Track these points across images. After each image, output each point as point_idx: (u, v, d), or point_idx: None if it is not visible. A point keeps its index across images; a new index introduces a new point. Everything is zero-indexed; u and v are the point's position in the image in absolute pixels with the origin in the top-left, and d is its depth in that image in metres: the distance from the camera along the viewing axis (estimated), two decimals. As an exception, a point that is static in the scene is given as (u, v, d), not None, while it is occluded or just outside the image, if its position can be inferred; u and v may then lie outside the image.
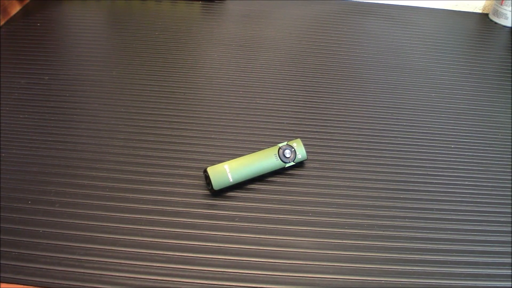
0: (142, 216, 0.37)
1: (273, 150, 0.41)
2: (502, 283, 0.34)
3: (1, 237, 0.35)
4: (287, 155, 0.41)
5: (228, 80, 0.55)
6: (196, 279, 0.33)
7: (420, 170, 0.44)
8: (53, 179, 0.40)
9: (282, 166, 0.41)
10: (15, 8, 0.67)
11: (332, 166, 0.44)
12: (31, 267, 0.33)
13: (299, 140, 0.43)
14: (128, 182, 0.40)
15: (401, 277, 0.34)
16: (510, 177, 0.44)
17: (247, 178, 0.40)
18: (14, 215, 0.37)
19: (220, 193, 0.40)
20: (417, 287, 0.33)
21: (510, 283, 0.34)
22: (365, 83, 0.57)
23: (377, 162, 0.45)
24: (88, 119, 0.47)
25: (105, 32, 0.65)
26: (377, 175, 0.43)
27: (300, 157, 0.42)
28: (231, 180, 0.39)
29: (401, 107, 0.53)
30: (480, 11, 0.80)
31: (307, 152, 0.42)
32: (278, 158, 0.41)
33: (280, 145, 0.42)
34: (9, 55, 0.56)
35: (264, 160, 0.40)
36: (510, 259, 0.36)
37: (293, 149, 0.42)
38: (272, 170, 0.41)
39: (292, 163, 0.42)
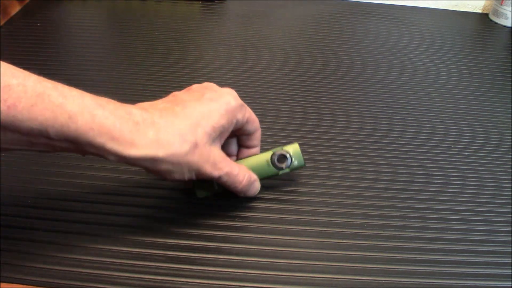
0: (142, 215, 0.37)
1: (266, 156, 0.38)
2: (502, 283, 0.34)
3: (1, 236, 0.35)
4: (280, 162, 0.38)
5: (228, 80, 0.55)
6: (196, 278, 0.33)
7: (420, 170, 0.44)
8: (53, 179, 0.40)
9: (275, 174, 0.38)
10: (15, 8, 0.67)
11: (333, 166, 0.44)
12: (31, 267, 0.33)
13: (296, 144, 0.38)
14: (128, 182, 0.40)
15: (402, 277, 0.34)
16: (510, 177, 0.44)
17: None
18: (14, 215, 0.37)
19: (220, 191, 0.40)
20: (417, 287, 0.33)
21: (510, 283, 0.34)
22: (365, 83, 0.57)
23: (378, 162, 0.45)
24: (88, 119, 0.47)
25: (105, 32, 0.65)
26: (378, 175, 0.43)
27: (296, 163, 0.38)
28: (216, 188, 0.37)
29: (401, 107, 0.53)
30: (480, 11, 0.80)
31: (307, 152, 0.42)
32: (271, 165, 0.38)
33: (273, 150, 0.38)
34: (9, 55, 0.56)
35: (255, 166, 0.37)
36: (511, 259, 0.36)
37: (288, 155, 0.38)
38: (263, 177, 0.38)
39: (287, 170, 0.38)
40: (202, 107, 0.32)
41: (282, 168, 0.38)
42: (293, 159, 0.38)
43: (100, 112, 0.28)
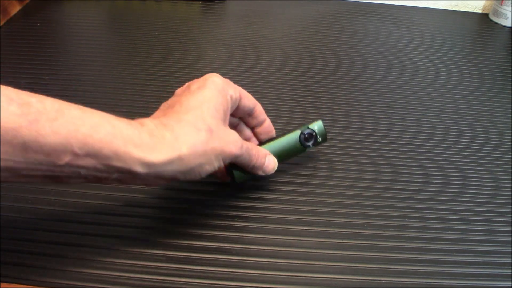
0: (142, 215, 0.37)
1: (294, 135, 0.40)
2: (502, 282, 0.34)
3: (1, 236, 0.35)
4: (308, 140, 0.40)
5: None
6: (196, 278, 0.33)
7: (420, 170, 0.44)
8: (53, 179, 0.40)
9: (303, 151, 0.41)
10: (15, 8, 0.67)
11: (333, 166, 0.44)
12: (31, 267, 0.33)
13: (320, 121, 0.41)
14: (128, 182, 0.40)
15: (402, 277, 0.34)
16: (510, 177, 0.44)
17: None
18: (14, 215, 0.37)
19: (220, 191, 0.40)
20: (417, 287, 0.33)
21: (510, 283, 0.34)
22: (365, 83, 0.57)
23: (377, 162, 0.45)
24: (88, 119, 0.47)
25: (105, 32, 0.65)
26: (378, 175, 0.43)
27: (320, 140, 0.41)
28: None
29: (401, 107, 0.53)
30: (480, 11, 0.80)
31: (307, 152, 0.42)
32: (299, 143, 0.40)
33: (300, 129, 0.40)
34: (9, 55, 0.56)
35: (285, 145, 0.39)
36: (510, 259, 0.36)
37: (314, 133, 0.41)
38: (292, 155, 0.41)
39: (311, 147, 0.41)
40: (196, 97, 0.33)
41: (309, 146, 0.41)
42: (318, 136, 0.41)
43: (118, 122, 0.28)
